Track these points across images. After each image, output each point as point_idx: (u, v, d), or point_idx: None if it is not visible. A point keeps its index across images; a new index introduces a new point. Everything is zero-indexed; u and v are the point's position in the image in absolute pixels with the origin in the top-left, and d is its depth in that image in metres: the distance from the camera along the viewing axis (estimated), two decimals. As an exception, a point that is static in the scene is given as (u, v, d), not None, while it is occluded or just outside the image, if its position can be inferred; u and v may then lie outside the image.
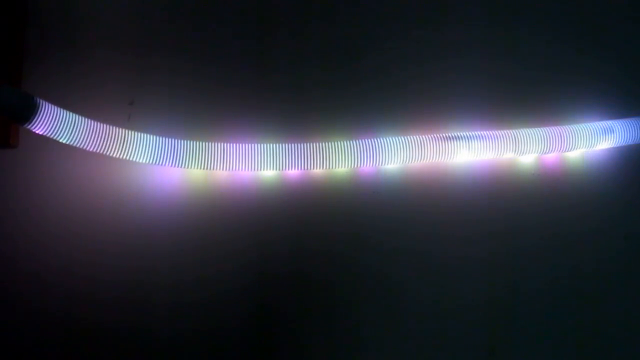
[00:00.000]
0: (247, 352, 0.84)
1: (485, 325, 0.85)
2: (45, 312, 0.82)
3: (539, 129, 0.85)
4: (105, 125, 0.75)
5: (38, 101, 0.69)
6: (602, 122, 0.87)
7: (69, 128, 0.72)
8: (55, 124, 0.70)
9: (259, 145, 0.81)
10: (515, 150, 0.85)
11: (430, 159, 0.83)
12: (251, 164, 0.80)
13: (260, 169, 0.81)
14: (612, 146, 0.88)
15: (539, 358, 0.86)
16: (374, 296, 0.85)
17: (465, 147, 0.83)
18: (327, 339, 0.84)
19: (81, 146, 0.74)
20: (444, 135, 0.83)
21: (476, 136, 0.84)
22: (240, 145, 0.80)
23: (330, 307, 0.84)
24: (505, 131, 0.85)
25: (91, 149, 0.74)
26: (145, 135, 0.77)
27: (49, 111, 0.70)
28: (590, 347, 0.86)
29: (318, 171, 0.85)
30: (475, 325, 0.85)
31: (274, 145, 0.81)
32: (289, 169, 0.82)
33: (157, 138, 0.78)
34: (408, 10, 0.91)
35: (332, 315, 0.84)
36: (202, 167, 0.80)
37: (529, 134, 0.84)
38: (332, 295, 0.85)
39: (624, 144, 0.87)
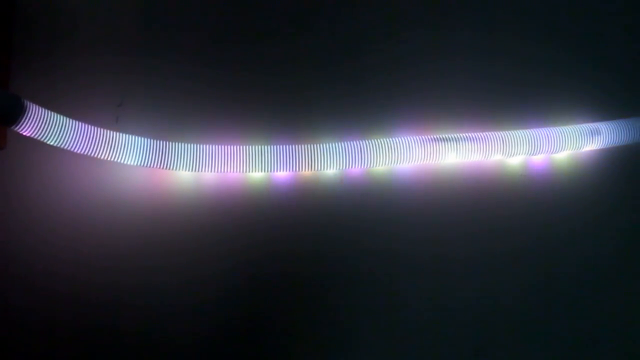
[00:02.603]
0: (237, 354, 0.84)
1: (472, 326, 0.85)
2: (33, 314, 0.82)
3: (527, 130, 0.86)
4: (93, 127, 0.75)
5: (25, 103, 0.69)
6: (589, 124, 0.88)
7: (57, 130, 0.72)
8: (43, 125, 0.70)
9: (247, 147, 0.81)
10: (503, 152, 0.85)
11: (418, 160, 0.84)
12: (240, 165, 0.80)
13: (249, 171, 0.81)
14: (599, 148, 0.88)
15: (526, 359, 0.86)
16: (363, 297, 0.85)
17: (454, 148, 0.84)
18: (317, 340, 0.84)
19: (69, 148, 0.73)
20: (432, 136, 0.84)
21: (464, 138, 0.84)
22: (229, 147, 0.80)
23: (320, 308, 0.85)
24: (493, 133, 0.85)
25: (79, 151, 0.74)
26: (133, 137, 0.77)
27: (37, 113, 0.69)
28: (579, 348, 0.87)
29: (307, 173, 0.85)
30: (463, 326, 0.85)
31: (263, 147, 0.81)
32: (277, 170, 0.82)
33: (146, 140, 0.78)
34: (397, 12, 0.91)
35: (322, 316, 0.84)
36: (191, 169, 0.80)
37: (517, 136, 0.85)
38: (322, 297, 0.85)
39: (610, 145, 0.88)
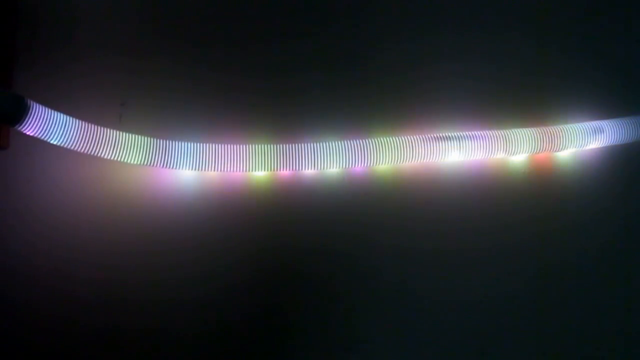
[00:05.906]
0: (241, 351, 0.84)
1: (477, 325, 0.85)
2: (38, 313, 0.82)
3: (530, 129, 0.86)
4: (96, 127, 0.75)
5: (29, 102, 0.69)
6: (591, 122, 0.87)
7: (60, 129, 0.72)
8: (46, 125, 0.70)
9: (250, 146, 0.81)
10: (506, 150, 0.85)
11: (421, 159, 0.83)
12: (243, 164, 0.80)
13: (252, 170, 0.81)
14: (601, 146, 0.88)
15: (530, 358, 0.86)
16: (366, 295, 0.85)
17: (457, 147, 0.84)
18: (321, 337, 0.84)
19: (72, 147, 0.73)
20: (435, 135, 0.84)
21: (467, 136, 0.84)
22: (232, 146, 0.80)
23: (323, 306, 0.85)
24: (496, 131, 0.85)
25: (82, 151, 0.74)
26: (136, 136, 0.77)
27: (40, 112, 0.70)
28: (581, 346, 0.87)
29: (310, 172, 0.85)
30: (467, 324, 0.85)
31: (266, 145, 0.81)
32: (280, 169, 0.82)
33: (149, 139, 0.78)
34: (401, 15, 0.91)
35: (325, 314, 0.84)
36: (194, 168, 0.80)
37: (519, 134, 0.85)
38: (324, 295, 0.85)
39: (613, 143, 0.88)
